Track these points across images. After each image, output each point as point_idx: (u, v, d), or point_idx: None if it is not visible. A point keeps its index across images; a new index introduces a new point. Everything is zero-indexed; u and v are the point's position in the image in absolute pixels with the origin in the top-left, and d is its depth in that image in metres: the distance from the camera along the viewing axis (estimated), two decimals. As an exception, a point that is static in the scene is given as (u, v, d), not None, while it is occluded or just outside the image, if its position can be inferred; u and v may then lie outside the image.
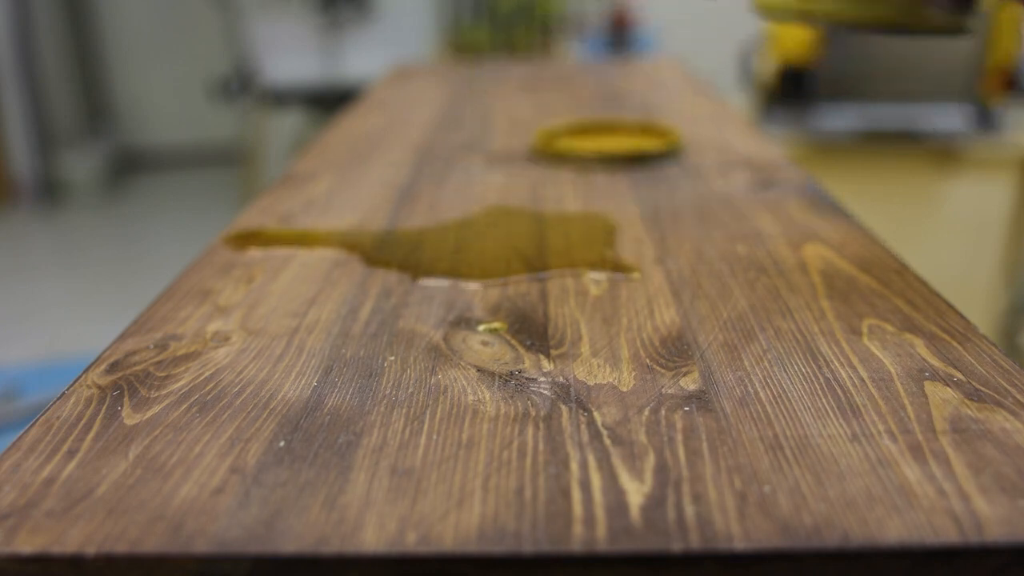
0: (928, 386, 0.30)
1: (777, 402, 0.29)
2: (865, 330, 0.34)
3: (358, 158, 0.65)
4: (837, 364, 0.31)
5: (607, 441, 0.27)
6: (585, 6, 3.10)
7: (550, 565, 0.22)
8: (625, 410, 0.29)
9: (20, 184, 3.39)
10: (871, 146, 1.50)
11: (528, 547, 0.22)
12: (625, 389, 0.30)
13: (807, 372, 0.31)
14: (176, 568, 0.22)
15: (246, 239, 0.47)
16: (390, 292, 0.39)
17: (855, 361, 0.32)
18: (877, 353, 0.32)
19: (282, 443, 0.27)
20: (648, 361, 0.32)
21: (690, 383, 0.30)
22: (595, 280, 0.40)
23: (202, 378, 0.31)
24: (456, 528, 0.23)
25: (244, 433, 0.28)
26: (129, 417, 0.29)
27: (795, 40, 1.49)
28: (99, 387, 0.31)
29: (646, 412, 0.28)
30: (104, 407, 0.29)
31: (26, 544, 0.22)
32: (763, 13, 0.46)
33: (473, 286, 0.40)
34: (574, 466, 0.25)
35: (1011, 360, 0.32)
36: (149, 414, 0.29)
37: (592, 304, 0.37)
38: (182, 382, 0.31)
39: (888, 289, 0.38)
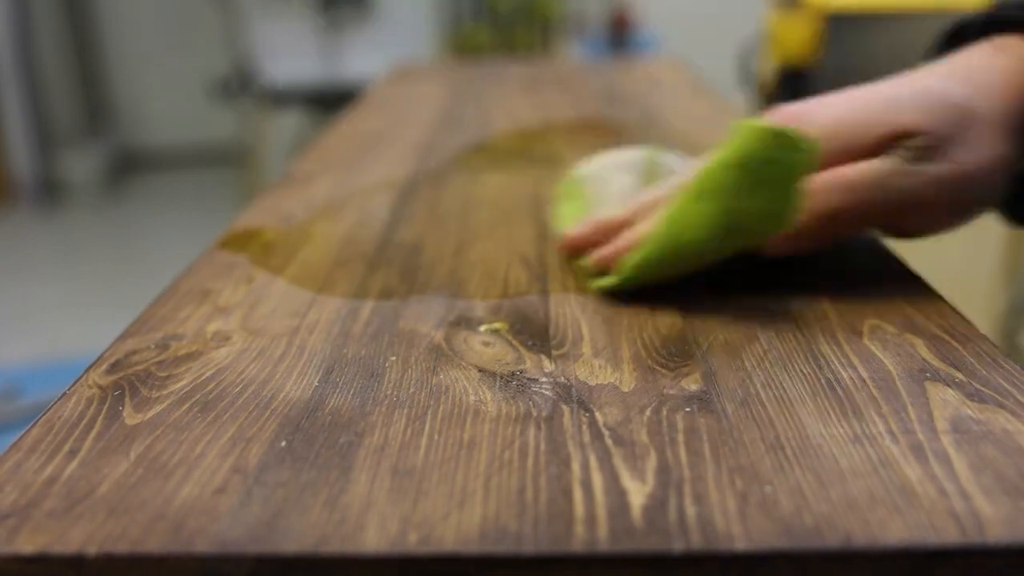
0: (929, 386, 0.30)
1: (778, 403, 0.29)
2: (866, 330, 0.34)
3: (358, 158, 0.65)
4: (838, 365, 0.31)
5: (608, 441, 0.27)
6: (585, 6, 3.10)
7: (551, 565, 0.22)
8: (627, 410, 0.29)
9: (20, 184, 3.39)
10: (871, 146, 1.50)
11: (529, 547, 0.22)
12: (626, 389, 0.30)
13: (808, 373, 0.31)
14: (177, 568, 0.22)
15: (246, 239, 0.47)
16: (391, 292, 0.39)
17: (856, 362, 0.32)
18: (878, 353, 0.32)
19: (283, 443, 0.27)
20: (649, 361, 0.32)
21: (691, 383, 0.30)
22: (596, 280, 0.40)
23: (203, 378, 0.31)
24: (457, 528, 0.23)
25: (245, 433, 0.28)
26: (130, 417, 0.29)
27: (795, 40, 1.49)
28: (100, 387, 0.31)
29: (647, 412, 0.28)
30: (105, 407, 0.29)
31: (27, 544, 0.22)
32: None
33: (474, 286, 0.40)
34: (575, 466, 0.25)
35: (1012, 360, 0.32)
36: (150, 414, 0.29)
37: (593, 304, 0.37)
38: (183, 382, 0.31)
39: (888, 289, 0.38)
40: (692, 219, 0.36)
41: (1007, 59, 0.39)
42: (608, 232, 0.40)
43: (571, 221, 0.44)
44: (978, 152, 0.37)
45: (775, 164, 0.35)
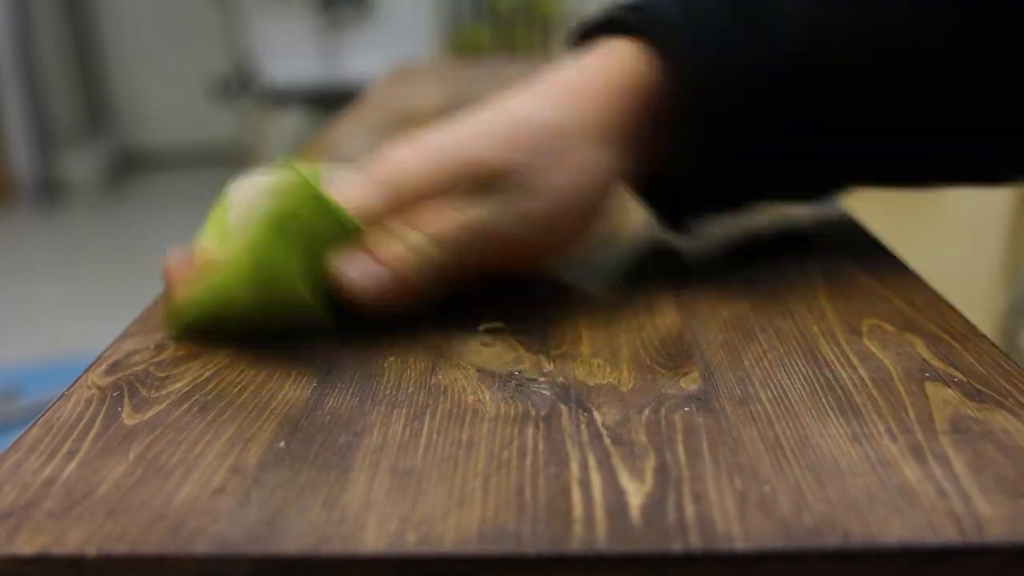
0: (928, 386, 0.30)
1: (777, 402, 0.29)
2: (865, 330, 0.34)
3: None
4: (837, 364, 0.31)
5: (607, 441, 0.27)
6: (585, 6, 3.10)
7: (550, 565, 0.22)
8: (625, 410, 0.29)
9: (20, 184, 3.39)
10: (871, 146, 1.50)
11: (528, 547, 0.22)
12: (625, 389, 0.30)
13: (807, 372, 0.31)
14: (177, 568, 0.22)
15: (246, 239, 0.47)
16: (390, 292, 0.39)
17: (855, 361, 0.32)
18: (877, 353, 0.32)
19: (282, 443, 0.27)
20: (648, 361, 0.32)
21: (690, 383, 0.30)
22: (595, 280, 0.40)
23: (202, 378, 0.31)
24: (457, 528, 0.23)
25: (244, 433, 0.28)
26: (129, 417, 0.29)
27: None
28: (99, 387, 0.31)
29: (646, 412, 0.28)
30: (104, 407, 0.29)
31: (27, 545, 0.22)
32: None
33: (473, 286, 0.40)
34: (574, 466, 0.25)
35: (1011, 360, 0.32)
36: (149, 414, 0.29)
37: (592, 304, 0.37)
38: (182, 382, 0.31)
39: (888, 289, 0.38)
40: (230, 270, 0.33)
41: (606, 63, 0.37)
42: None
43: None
44: (571, 176, 0.35)
45: (313, 229, 0.33)
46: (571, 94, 0.36)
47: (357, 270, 0.33)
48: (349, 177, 0.35)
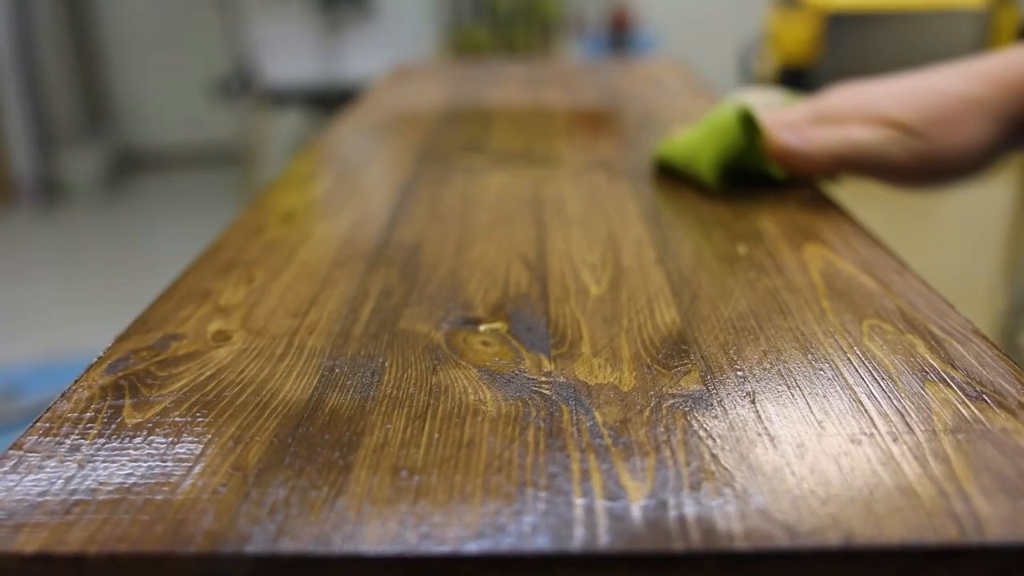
0: (929, 386, 0.30)
1: (777, 402, 0.29)
2: (865, 330, 0.34)
3: (358, 158, 0.65)
4: (838, 364, 0.32)
5: (608, 441, 0.27)
6: (585, 6, 3.10)
7: (550, 565, 0.22)
8: (626, 410, 0.29)
9: (20, 184, 3.39)
10: (871, 146, 1.50)
11: (528, 547, 0.22)
12: (626, 389, 0.30)
13: (807, 372, 0.31)
14: (177, 567, 0.22)
15: (246, 239, 0.47)
16: (391, 292, 0.39)
17: (855, 361, 0.32)
18: (878, 353, 0.32)
19: (283, 443, 0.27)
20: (649, 361, 0.32)
21: (691, 383, 0.30)
22: (595, 280, 0.40)
23: (203, 378, 0.31)
24: (457, 528, 0.23)
25: (245, 433, 0.28)
26: (130, 416, 0.29)
27: (795, 39, 1.49)
28: (100, 387, 0.31)
29: (647, 412, 0.28)
30: (105, 406, 0.29)
31: (28, 544, 0.22)
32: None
33: (474, 286, 0.40)
34: (575, 466, 0.25)
35: (1011, 360, 0.32)
36: (150, 413, 0.29)
37: (592, 304, 0.37)
38: (183, 382, 0.31)
39: (888, 289, 0.38)
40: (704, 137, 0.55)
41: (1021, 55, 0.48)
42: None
43: (684, 144, 0.57)
44: (956, 138, 0.48)
45: (744, 133, 0.54)
46: (988, 74, 0.49)
47: (794, 138, 0.52)
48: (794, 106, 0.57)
